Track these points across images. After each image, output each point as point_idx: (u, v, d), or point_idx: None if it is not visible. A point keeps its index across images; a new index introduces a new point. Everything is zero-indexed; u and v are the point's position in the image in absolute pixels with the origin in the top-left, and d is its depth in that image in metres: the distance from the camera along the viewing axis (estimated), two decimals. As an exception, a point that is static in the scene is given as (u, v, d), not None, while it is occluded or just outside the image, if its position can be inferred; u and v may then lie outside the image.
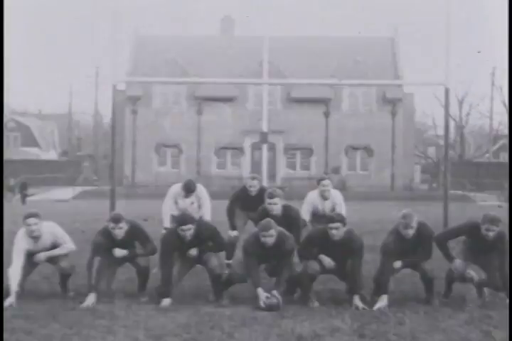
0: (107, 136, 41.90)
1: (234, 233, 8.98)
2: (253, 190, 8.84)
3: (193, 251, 7.12)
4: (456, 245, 7.28)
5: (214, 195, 9.61)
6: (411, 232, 6.90)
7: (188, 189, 9.05)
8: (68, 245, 7.30)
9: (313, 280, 6.99)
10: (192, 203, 9.13)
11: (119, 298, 6.99)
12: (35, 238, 7.12)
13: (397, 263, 6.95)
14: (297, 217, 8.38)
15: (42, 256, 7.15)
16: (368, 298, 6.88)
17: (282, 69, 31.11)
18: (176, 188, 9.20)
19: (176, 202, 9.11)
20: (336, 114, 33.68)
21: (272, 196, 8.02)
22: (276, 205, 7.97)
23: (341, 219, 7.01)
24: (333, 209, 8.98)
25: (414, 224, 6.89)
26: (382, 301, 6.76)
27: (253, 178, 9.01)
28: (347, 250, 6.96)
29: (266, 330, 5.94)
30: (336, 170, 25.24)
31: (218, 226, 7.94)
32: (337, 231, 6.88)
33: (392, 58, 34.95)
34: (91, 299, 6.84)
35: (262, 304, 6.70)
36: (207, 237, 7.22)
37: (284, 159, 33.78)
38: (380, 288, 6.88)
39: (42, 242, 7.17)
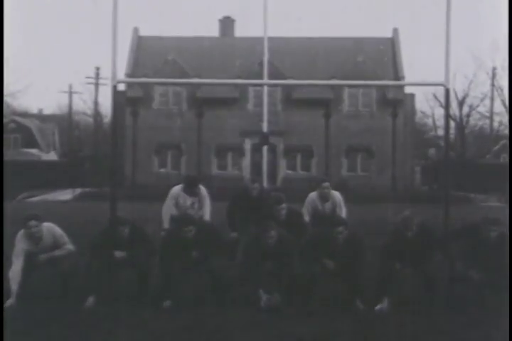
0: (108, 137, 41.93)
1: (234, 234, 8.98)
2: (255, 192, 8.92)
3: (194, 253, 7.11)
4: (456, 246, 7.28)
5: (214, 196, 9.60)
6: (411, 234, 6.91)
7: (190, 183, 9.08)
8: (68, 246, 7.30)
9: (315, 281, 6.99)
10: (193, 203, 9.14)
11: (120, 299, 6.99)
12: (35, 239, 7.12)
13: (398, 265, 6.95)
14: (299, 218, 8.41)
15: (42, 257, 7.14)
16: (369, 300, 6.87)
17: (282, 70, 31.09)
18: (177, 190, 9.20)
19: (176, 204, 9.11)
20: (336, 115, 33.66)
21: (280, 202, 8.10)
22: (283, 210, 8.07)
23: (344, 223, 7.03)
24: (333, 211, 8.98)
25: (414, 226, 6.91)
26: (383, 302, 6.77)
27: (254, 181, 9.16)
28: (348, 251, 6.97)
29: (266, 332, 5.94)
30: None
31: (218, 227, 7.95)
32: (339, 235, 6.91)
33: (393, 59, 34.93)
34: (91, 300, 6.83)
35: (262, 305, 6.70)
36: (207, 238, 7.21)
37: (284, 160, 33.75)
38: (380, 290, 6.88)
39: (42, 243, 7.17)
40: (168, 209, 9.13)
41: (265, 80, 12.80)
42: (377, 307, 6.73)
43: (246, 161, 33.54)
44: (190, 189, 9.05)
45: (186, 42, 34.72)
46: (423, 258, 6.98)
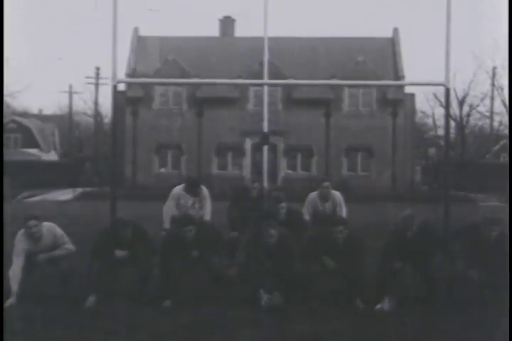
0: (108, 137, 41.91)
1: (234, 233, 8.99)
2: (255, 192, 8.98)
3: (194, 252, 7.11)
4: (456, 246, 7.27)
5: (215, 196, 9.60)
6: (411, 233, 6.91)
7: (191, 183, 9.11)
8: (68, 246, 7.30)
9: (315, 281, 6.99)
10: (193, 203, 9.14)
11: (120, 299, 6.98)
12: (35, 239, 7.11)
13: (398, 264, 6.95)
14: (298, 217, 8.44)
15: (42, 257, 7.14)
16: (369, 299, 6.87)
17: (283, 70, 31.09)
18: (178, 190, 9.20)
19: (177, 204, 9.11)
20: (336, 114, 33.65)
21: (280, 201, 8.14)
22: (283, 209, 8.11)
23: (344, 223, 7.04)
24: (333, 210, 8.99)
25: (414, 226, 6.90)
26: (383, 302, 6.76)
27: (254, 181, 9.24)
28: (348, 251, 6.97)
29: (267, 331, 5.93)
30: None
31: (219, 226, 7.94)
32: (340, 235, 6.92)
33: (393, 59, 34.91)
34: (91, 300, 6.83)
35: (263, 305, 6.69)
36: (207, 238, 7.21)
37: (284, 160, 33.74)
38: (380, 289, 6.88)
39: (42, 243, 7.17)
40: (169, 210, 9.13)
41: (265, 80, 12.79)
42: (378, 306, 6.72)
43: (246, 161, 33.54)
44: (192, 189, 9.06)
45: (186, 42, 34.70)
46: (423, 257, 6.98)
